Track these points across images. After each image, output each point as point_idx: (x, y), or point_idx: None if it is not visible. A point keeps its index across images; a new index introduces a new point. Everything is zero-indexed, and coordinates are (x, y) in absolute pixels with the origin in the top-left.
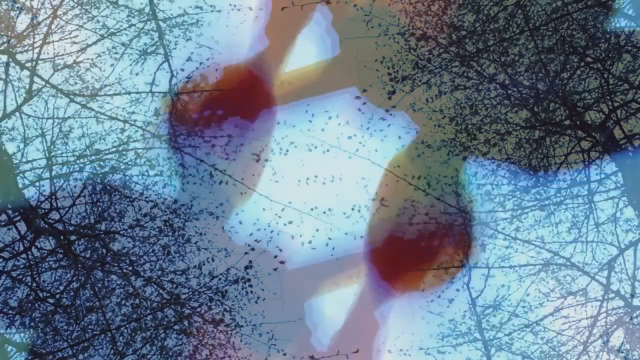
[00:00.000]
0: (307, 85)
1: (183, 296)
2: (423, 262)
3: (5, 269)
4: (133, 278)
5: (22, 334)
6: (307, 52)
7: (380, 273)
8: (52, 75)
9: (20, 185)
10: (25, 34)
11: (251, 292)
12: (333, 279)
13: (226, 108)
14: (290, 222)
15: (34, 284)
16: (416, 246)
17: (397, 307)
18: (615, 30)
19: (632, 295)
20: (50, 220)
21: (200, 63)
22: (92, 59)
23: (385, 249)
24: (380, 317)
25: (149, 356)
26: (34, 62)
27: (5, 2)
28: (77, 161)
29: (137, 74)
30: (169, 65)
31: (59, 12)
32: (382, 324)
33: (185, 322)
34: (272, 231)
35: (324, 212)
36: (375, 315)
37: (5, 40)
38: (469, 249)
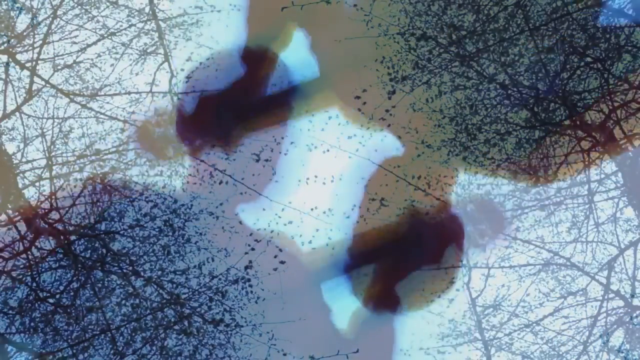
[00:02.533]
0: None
1: (183, 296)
2: (423, 263)
3: (5, 269)
4: (133, 278)
5: (22, 334)
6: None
7: (380, 273)
8: (52, 75)
9: (20, 185)
10: (25, 34)
11: (251, 292)
12: (333, 278)
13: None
14: (290, 222)
15: (34, 284)
16: (416, 246)
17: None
18: (615, 30)
19: (632, 295)
20: (50, 220)
21: (200, 63)
22: (92, 59)
23: (385, 249)
24: (379, 316)
25: (149, 356)
26: (34, 62)
27: (5, 2)
28: (77, 161)
29: (137, 74)
30: (169, 65)
31: (59, 12)
32: (381, 323)
33: (185, 322)
34: (272, 231)
35: (324, 212)
36: (375, 314)
37: (5, 40)
38: (469, 249)
